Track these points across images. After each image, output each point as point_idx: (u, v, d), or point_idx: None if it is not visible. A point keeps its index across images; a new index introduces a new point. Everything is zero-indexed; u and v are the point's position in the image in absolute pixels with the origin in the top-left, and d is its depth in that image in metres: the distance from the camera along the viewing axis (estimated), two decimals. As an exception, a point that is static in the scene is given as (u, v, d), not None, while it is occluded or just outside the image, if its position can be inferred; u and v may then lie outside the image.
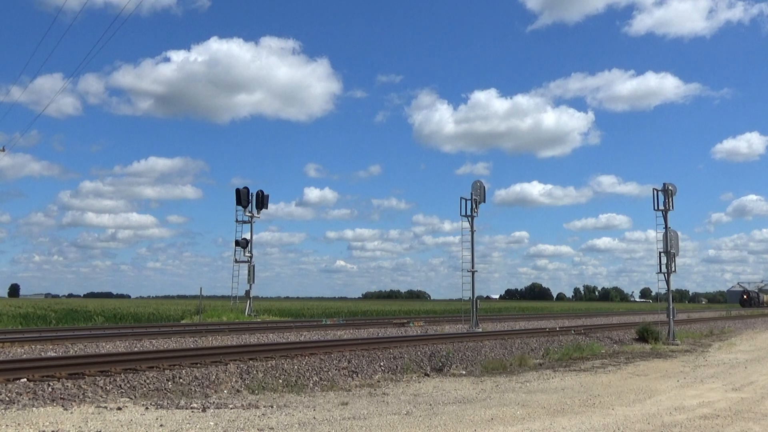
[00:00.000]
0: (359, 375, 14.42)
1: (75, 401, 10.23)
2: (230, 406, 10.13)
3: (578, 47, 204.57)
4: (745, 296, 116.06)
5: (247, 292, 40.50)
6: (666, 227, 26.17)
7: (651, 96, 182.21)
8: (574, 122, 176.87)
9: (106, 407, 9.65)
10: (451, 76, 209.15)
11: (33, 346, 17.36)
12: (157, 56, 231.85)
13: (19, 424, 8.11)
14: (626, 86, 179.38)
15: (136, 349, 17.20)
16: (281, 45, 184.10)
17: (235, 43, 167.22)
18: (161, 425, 8.34)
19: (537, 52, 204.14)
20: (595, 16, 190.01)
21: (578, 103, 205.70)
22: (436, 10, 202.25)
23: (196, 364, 13.42)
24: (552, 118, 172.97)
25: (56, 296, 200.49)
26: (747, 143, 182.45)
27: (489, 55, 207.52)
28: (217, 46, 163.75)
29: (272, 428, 8.35)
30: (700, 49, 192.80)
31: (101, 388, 11.10)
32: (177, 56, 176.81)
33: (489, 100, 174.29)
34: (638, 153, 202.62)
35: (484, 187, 27.78)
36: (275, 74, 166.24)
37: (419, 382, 13.90)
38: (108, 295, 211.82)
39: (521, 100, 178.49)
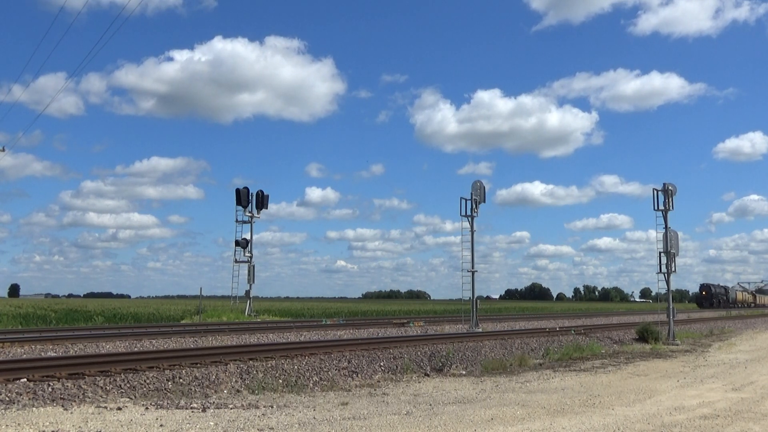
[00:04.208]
0: (359, 375, 14.42)
1: (75, 401, 10.22)
2: (230, 406, 10.13)
3: (583, 47, 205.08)
4: (704, 293, 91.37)
5: (247, 292, 40.52)
6: (666, 227, 26.17)
7: (655, 96, 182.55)
8: (577, 122, 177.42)
9: (106, 407, 9.65)
10: (455, 76, 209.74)
11: (33, 346, 17.35)
12: (160, 55, 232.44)
13: (19, 424, 8.11)
14: (630, 86, 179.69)
15: (136, 349, 17.20)
16: (286, 44, 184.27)
17: (239, 43, 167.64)
18: (161, 425, 8.34)
19: (541, 51, 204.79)
20: (601, 15, 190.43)
21: (582, 103, 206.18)
22: (441, 9, 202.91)
23: (196, 364, 13.42)
24: (555, 118, 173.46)
25: (56, 296, 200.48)
26: (750, 143, 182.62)
27: (493, 55, 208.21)
28: (221, 45, 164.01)
29: (272, 428, 8.35)
30: (705, 48, 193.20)
31: (101, 388, 11.10)
32: (180, 56, 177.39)
33: (492, 100, 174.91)
34: (641, 153, 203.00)
35: (484, 188, 27.79)
36: (279, 74, 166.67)
37: (419, 382, 13.89)
38: (108, 295, 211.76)
39: (525, 99, 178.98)
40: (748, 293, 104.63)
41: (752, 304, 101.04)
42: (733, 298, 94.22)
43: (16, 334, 22.70)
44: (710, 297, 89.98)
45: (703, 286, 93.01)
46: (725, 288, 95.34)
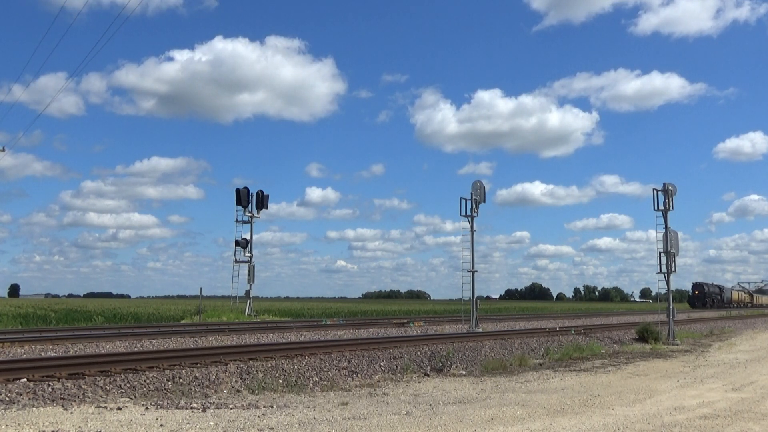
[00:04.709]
0: (359, 375, 14.42)
1: (75, 401, 10.22)
2: (230, 406, 10.13)
3: (584, 47, 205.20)
4: (696, 292, 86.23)
5: (247, 292, 40.53)
6: (666, 227, 26.18)
7: (655, 96, 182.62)
8: (578, 122, 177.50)
9: (106, 407, 9.65)
10: (456, 76, 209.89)
11: (33, 346, 17.35)
12: (160, 55, 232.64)
13: (19, 424, 8.11)
14: (631, 86, 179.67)
15: (136, 349, 17.20)
16: (286, 44, 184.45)
17: (240, 43, 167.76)
18: (161, 425, 8.34)
19: (542, 51, 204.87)
20: (601, 15, 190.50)
21: (582, 103, 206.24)
22: (442, 9, 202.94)
23: (196, 364, 13.42)
24: (556, 118, 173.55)
25: (56, 296, 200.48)
26: (750, 143, 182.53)
27: (494, 55, 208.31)
28: (221, 45, 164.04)
29: (272, 428, 8.35)
30: (706, 48, 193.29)
31: (101, 388, 11.10)
32: (181, 55, 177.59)
33: (493, 100, 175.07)
34: (641, 153, 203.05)
35: (484, 187, 27.80)
36: (280, 74, 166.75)
37: (419, 382, 13.89)
38: (108, 295, 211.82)
39: (525, 99, 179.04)
40: (744, 293, 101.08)
41: (749, 304, 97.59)
42: (729, 298, 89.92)
43: (16, 334, 22.70)
44: (703, 296, 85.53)
45: (695, 285, 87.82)
46: (720, 287, 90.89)
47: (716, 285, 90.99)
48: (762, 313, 66.67)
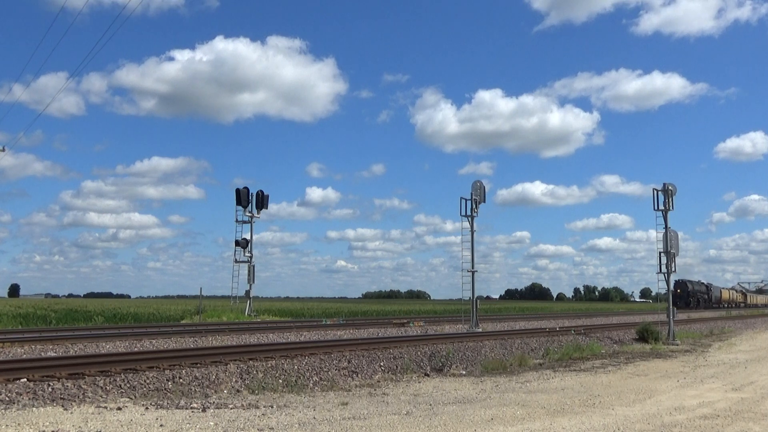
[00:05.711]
0: (359, 375, 14.42)
1: (75, 401, 10.22)
2: (230, 406, 10.13)
3: (585, 47, 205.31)
4: (678, 291, 72.77)
5: (247, 292, 40.52)
6: (666, 227, 26.18)
7: (656, 96, 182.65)
8: (578, 122, 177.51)
9: (106, 407, 9.65)
10: (456, 76, 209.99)
11: (33, 346, 17.35)
12: (161, 55, 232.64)
13: (19, 424, 8.11)
14: (632, 86, 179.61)
15: (136, 349, 17.20)
16: (287, 44, 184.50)
17: (241, 43, 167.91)
18: (161, 425, 8.34)
19: (543, 51, 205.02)
20: (602, 15, 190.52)
21: (583, 103, 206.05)
22: (442, 9, 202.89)
23: (196, 364, 13.41)
24: (557, 118, 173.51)
25: (56, 296, 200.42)
26: (751, 143, 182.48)
27: (495, 55, 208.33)
28: (222, 45, 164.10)
29: (272, 428, 8.35)
30: (707, 48, 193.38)
31: (101, 388, 11.10)
32: (182, 55, 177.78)
33: (493, 100, 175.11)
34: (642, 153, 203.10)
35: (484, 187, 27.81)
36: (280, 74, 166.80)
37: (419, 382, 13.89)
38: (108, 295, 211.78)
39: (526, 99, 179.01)
40: (737, 292, 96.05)
41: (742, 304, 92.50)
42: (717, 297, 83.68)
43: (16, 334, 22.69)
44: (686, 295, 76.00)
45: (677, 283, 74.27)
46: (707, 285, 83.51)
47: (703, 283, 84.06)
48: (762, 313, 66.63)
